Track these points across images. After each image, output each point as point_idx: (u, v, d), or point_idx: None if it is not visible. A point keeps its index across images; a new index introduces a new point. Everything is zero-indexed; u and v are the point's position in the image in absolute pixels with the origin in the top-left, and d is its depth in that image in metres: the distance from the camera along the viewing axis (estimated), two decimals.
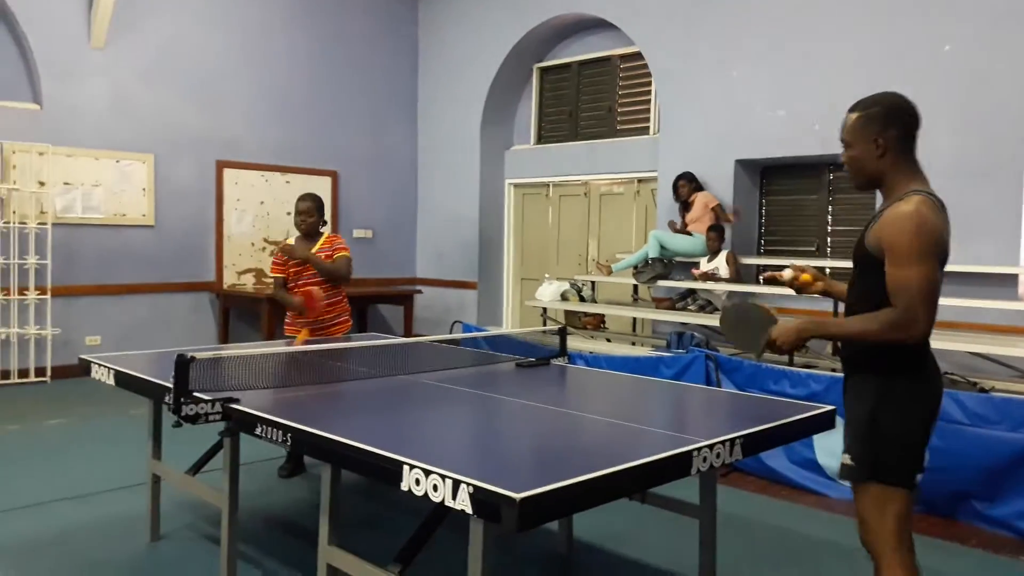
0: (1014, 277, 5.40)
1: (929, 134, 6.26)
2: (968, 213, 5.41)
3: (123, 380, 3.21)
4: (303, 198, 4.76)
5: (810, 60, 6.31)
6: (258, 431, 2.50)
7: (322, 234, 4.76)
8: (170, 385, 2.69)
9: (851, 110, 2.34)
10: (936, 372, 2.31)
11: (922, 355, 2.27)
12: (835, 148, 2.65)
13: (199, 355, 2.78)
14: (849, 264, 2.42)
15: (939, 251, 2.18)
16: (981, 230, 5.41)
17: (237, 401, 2.67)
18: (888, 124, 2.24)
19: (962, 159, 5.55)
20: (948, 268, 2.27)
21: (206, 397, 2.67)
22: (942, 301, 2.25)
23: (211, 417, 2.66)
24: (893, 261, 2.16)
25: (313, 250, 4.64)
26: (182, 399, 2.63)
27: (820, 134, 6.17)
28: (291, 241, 4.75)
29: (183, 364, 2.67)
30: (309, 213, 4.67)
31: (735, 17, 6.76)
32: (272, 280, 4.84)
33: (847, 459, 2.29)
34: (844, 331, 2.31)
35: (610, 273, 7.20)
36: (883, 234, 2.19)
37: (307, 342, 4.37)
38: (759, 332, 2.42)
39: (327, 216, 5.52)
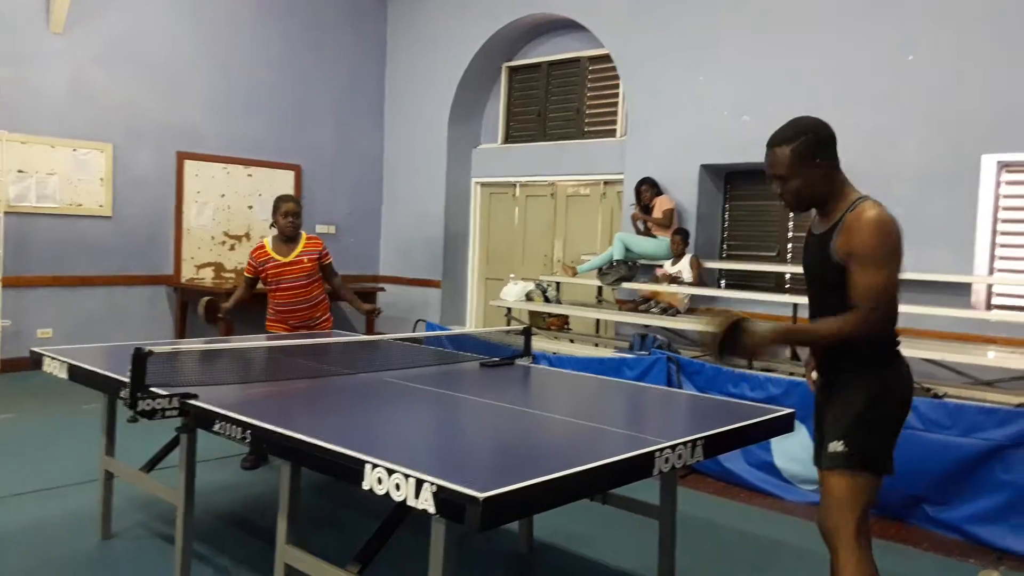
0: (968, 286, 5.52)
1: (893, 143, 6.35)
2: (926, 221, 5.53)
3: (77, 374, 3.13)
4: (288, 199, 4.71)
5: (776, 67, 6.39)
6: (216, 427, 2.46)
7: (301, 235, 4.72)
8: (126, 379, 2.63)
9: (778, 144, 2.37)
10: (910, 372, 2.48)
11: (899, 355, 2.44)
12: None
13: (157, 349, 2.72)
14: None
15: (900, 255, 2.31)
16: (937, 238, 5.53)
17: (195, 397, 2.62)
18: (821, 146, 2.35)
19: (923, 168, 5.66)
20: (904, 275, 2.36)
21: (163, 392, 2.61)
22: (899, 308, 2.38)
23: (168, 413, 2.61)
24: (861, 264, 2.27)
25: (296, 252, 4.65)
26: (139, 394, 2.57)
27: None
28: (267, 241, 4.69)
29: (140, 358, 2.61)
30: (297, 214, 4.67)
31: (703, 23, 6.82)
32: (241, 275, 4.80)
33: (839, 446, 2.35)
34: (813, 334, 2.40)
35: (575, 274, 7.22)
36: (852, 241, 2.29)
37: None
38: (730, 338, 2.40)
39: None
